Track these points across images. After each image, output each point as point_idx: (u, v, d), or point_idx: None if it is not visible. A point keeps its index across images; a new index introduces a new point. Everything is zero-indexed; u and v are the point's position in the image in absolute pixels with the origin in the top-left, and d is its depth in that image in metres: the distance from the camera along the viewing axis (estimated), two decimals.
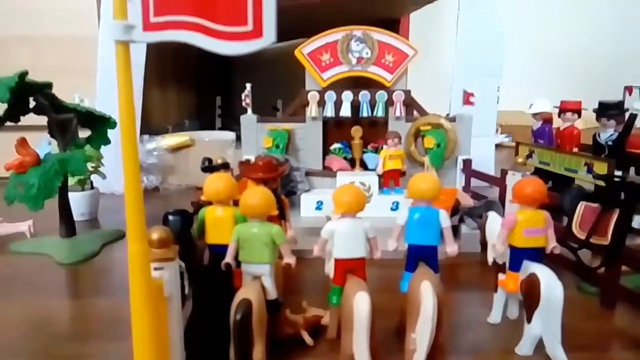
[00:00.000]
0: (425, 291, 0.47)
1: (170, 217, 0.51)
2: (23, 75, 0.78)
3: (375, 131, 1.00)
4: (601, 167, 0.77)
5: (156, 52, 1.48)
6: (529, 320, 0.52)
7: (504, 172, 0.85)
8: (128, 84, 0.32)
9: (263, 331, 0.47)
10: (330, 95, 0.95)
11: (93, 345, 0.56)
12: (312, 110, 0.96)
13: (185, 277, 0.46)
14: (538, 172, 0.95)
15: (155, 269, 0.39)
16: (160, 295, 0.38)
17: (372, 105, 0.95)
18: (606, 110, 0.91)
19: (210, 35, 0.29)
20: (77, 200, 1.02)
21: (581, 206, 0.68)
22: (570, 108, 0.97)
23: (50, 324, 0.62)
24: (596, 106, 0.93)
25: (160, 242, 0.40)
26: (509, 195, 0.79)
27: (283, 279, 0.56)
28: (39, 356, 0.54)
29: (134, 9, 0.31)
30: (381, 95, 0.95)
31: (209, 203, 0.53)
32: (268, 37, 0.28)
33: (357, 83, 0.97)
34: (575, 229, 0.68)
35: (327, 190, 0.91)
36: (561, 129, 0.99)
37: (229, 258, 0.49)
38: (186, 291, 0.46)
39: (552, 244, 0.53)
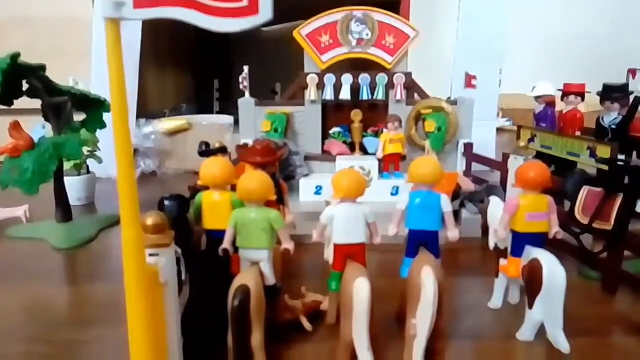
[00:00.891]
0: (426, 276, 0.46)
1: (166, 202, 0.50)
2: (15, 56, 0.76)
3: (375, 114, 0.99)
4: (604, 151, 0.76)
5: (152, 33, 1.45)
6: (531, 306, 0.51)
7: (505, 156, 0.84)
8: (119, 64, 0.30)
9: (261, 317, 0.46)
10: (330, 78, 0.94)
11: (90, 331, 0.55)
12: (311, 93, 0.94)
13: (182, 263, 0.45)
14: (540, 156, 0.94)
15: (150, 254, 0.38)
16: (156, 281, 0.38)
17: (372, 88, 0.94)
18: (610, 93, 0.90)
19: (203, 11, 0.28)
20: (73, 185, 1.01)
21: (584, 190, 0.67)
22: (573, 91, 0.96)
23: (47, 309, 0.61)
24: (599, 89, 0.92)
25: (155, 227, 0.39)
26: (510, 180, 0.79)
27: (281, 264, 0.56)
28: (36, 342, 0.54)
29: None
30: (381, 78, 0.93)
31: (206, 187, 0.52)
32: (264, 14, 0.27)
33: (356, 65, 0.95)
34: (577, 213, 0.67)
35: (326, 174, 0.90)
36: (564, 112, 0.98)
37: (226, 243, 0.49)
38: (183, 277, 0.46)
39: (554, 229, 0.53)
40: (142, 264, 0.35)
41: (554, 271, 0.49)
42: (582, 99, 0.96)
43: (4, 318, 0.59)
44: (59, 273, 0.74)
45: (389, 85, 0.94)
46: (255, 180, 0.48)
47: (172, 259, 0.41)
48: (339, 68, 0.94)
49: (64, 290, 0.67)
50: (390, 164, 0.90)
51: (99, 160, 1.02)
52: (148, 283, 0.36)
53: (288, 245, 0.49)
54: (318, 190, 0.89)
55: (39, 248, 0.80)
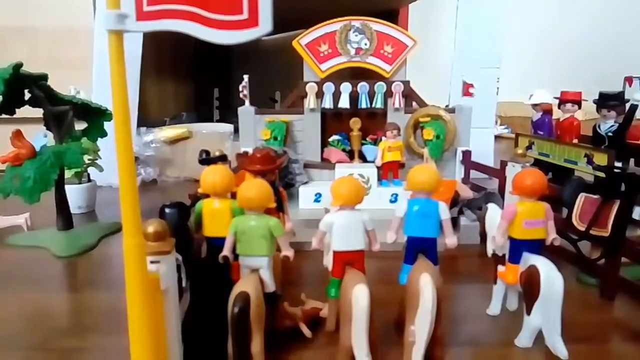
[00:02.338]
0: (425, 283, 0.46)
1: (167, 210, 0.50)
2: (18, 67, 0.77)
3: (374, 123, 0.99)
4: (601, 159, 0.76)
5: (153, 43, 1.47)
6: (529, 312, 0.52)
7: (503, 164, 0.85)
8: (122, 74, 0.31)
9: (261, 324, 0.46)
10: (329, 87, 0.95)
11: (91, 339, 0.56)
12: (310, 101, 0.95)
13: (183, 270, 0.45)
14: (538, 163, 0.95)
15: (152, 262, 0.39)
16: (157, 288, 0.38)
17: (371, 96, 0.95)
18: (606, 101, 0.90)
19: (205, 24, 0.28)
20: (74, 193, 1.01)
21: (581, 198, 0.68)
22: (570, 99, 0.97)
23: (47, 317, 0.62)
24: (596, 97, 0.93)
25: (156, 235, 0.40)
26: (508, 187, 0.79)
27: (281, 271, 0.56)
28: (36, 349, 0.54)
29: None
30: (380, 87, 0.94)
31: (207, 196, 0.52)
32: (264, 26, 0.28)
33: (355, 74, 0.96)
34: (575, 220, 0.67)
35: (326, 182, 0.91)
36: (561, 120, 0.99)
37: (226, 251, 0.49)
38: (183, 284, 0.46)
39: (552, 236, 0.53)
40: (144, 271, 0.35)
41: (551, 278, 0.50)
42: (579, 107, 0.97)
43: (4, 325, 0.59)
44: (59, 281, 0.74)
45: (388, 94, 0.95)
46: (255, 188, 0.49)
47: (172, 266, 0.42)
48: (338, 77, 0.95)
49: (64, 297, 0.68)
50: (389, 172, 0.91)
51: (100, 169, 1.03)
52: (149, 290, 0.36)
53: (288, 252, 0.50)
54: (317, 197, 0.89)
55: (39, 256, 0.81)
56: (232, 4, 0.27)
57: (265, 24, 0.27)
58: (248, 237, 0.49)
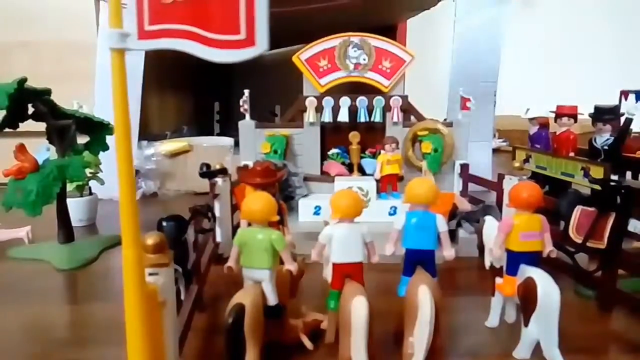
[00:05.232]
0: (423, 295, 0.47)
1: (164, 223, 0.51)
2: (22, 81, 0.78)
3: (373, 136, 1.00)
4: (597, 172, 0.77)
5: (155, 58, 1.48)
6: (526, 324, 0.52)
7: (501, 177, 0.85)
8: (123, 91, 0.32)
9: (257, 336, 0.46)
10: (328, 101, 0.96)
11: (91, 351, 0.56)
12: (309, 115, 0.96)
13: (181, 282, 0.46)
14: (535, 176, 0.95)
15: (150, 274, 0.39)
16: (155, 300, 0.38)
17: (370, 110, 0.96)
18: (602, 114, 0.92)
19: (203, 43, 0.29)
20: (76, 206, 1.02)
21: (577, 210, 0.68)
22: (566, 113, 0.98)
23: (48, 329, 0.62)
24: (592, 111, 0.94)
25: (155, 247, 0.40)
26: (506, 200, 0.80)
27: (291, 284, 0.56)
28: None
29: (129, 17, 0.31)
30: (379, 101, 0.95)
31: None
32: (260, 46, 0.29)
33: (354, 89, 0.98)
34: (571, 232, 0.68)
35: (325, 195, 0.91)
36: (557, 133, 1.00)
37: (231, 262, 0.49)
38: (182, 296, 0.46)
39: (548, 248, 0.53)
40: (143, 283, 0.36)
41: (548, 289, 0.50)
42: (575, 121, 0.98)
43: (5, 338, 0.59)
44: (60, 293, 0.74)
45: (386, 108, 0.96)
46: (259, 201, 0.49)
47: (171, 278, 0.42)
48: (337, 91, 0.96)
49: (65, 310, 0.68)
50: (388, 185, 0.91)
51: (101, 182, 1.04)
52: (147, 302, 0.36)
53: (290, 266, 0.50)
54: (317, 210, 0.90)
55: (40, 269, 0.81)
56: (230, 25, 0.28)
57: (261, 44, 0.28)
58: (250, 250, 0.49)
